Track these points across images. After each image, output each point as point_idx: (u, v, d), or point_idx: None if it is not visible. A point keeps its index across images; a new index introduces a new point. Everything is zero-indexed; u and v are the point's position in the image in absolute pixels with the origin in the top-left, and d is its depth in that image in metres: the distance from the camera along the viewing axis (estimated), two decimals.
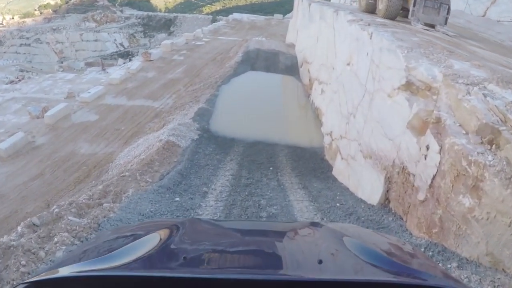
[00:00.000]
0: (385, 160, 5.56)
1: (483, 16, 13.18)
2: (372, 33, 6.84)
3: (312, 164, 8.55)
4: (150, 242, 1.55)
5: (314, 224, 2.20)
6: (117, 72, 17.35)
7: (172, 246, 1.55)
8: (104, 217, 4.71)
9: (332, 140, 8.53)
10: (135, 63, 18.02)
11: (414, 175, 4.83)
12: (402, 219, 5.13)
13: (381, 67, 6.07)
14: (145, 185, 6.28)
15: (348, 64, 7.93)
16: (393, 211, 5.38)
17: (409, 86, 5.20)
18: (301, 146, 9.97)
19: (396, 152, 5.29)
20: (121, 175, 6.66)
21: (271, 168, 7.82)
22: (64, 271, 1.32)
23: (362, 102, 6.71)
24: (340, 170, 7.52)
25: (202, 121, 10.56)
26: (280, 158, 8.75)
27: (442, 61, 5.37)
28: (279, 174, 7.57)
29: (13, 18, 48.65)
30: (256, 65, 15.67)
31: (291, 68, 15.90)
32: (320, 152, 9.58)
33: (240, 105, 11.84)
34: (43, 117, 13.32)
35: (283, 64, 16.09)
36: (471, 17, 13.40)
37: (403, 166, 5.09)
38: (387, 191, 5.51)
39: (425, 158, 4.52)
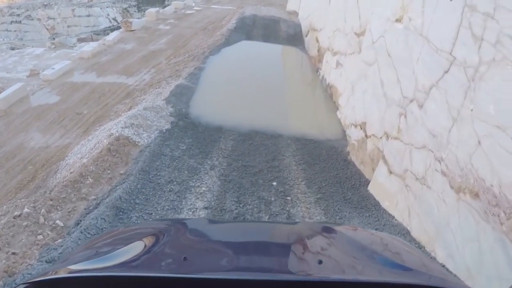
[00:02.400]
0: None
1: None
2: None
3: (334, 170, 5.34)
4: (150, 242, 1.45)
5: (314, 224, 2.23)
6: (89, 44, 13.89)
7: (172, 246, 1.45)
8: None
9: (367, 136, 5.24)
10: (113, 34, 14.53)
11: None
12: None
13: (499, 15, 2.82)
14: (42, 242, 3.18)
15: (399, 21, 4.66)
16: None
17: None
18: (312, 138, 6.78)
19: None
20: (15, 215, 3.56)
21: (274, 183, 4.65)
22: (64, 272, 1.24)
23: (441, 82, 3.49)
24: (386, 191, 4.32)
25: (179, 103, 7.29)
26: (286, 160, 5.52)
27: None
28: (288, 197, 4.32)
29: None
30: (252, 33, 12.16)
31: (294, 37, 12.40)
32: (340, 148, 6.39)
33: (232, 82, 8.50)
34: None
35: (285, 32, 12.58)
36: None
37: None
38: None
39: None
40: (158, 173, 4.53)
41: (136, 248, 1.40)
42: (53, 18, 39.61)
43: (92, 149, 5.85)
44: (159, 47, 13.21)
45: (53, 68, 12.09)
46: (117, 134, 5.57)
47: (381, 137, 4.69)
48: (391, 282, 1.20)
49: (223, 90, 8.11)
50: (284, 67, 11.09)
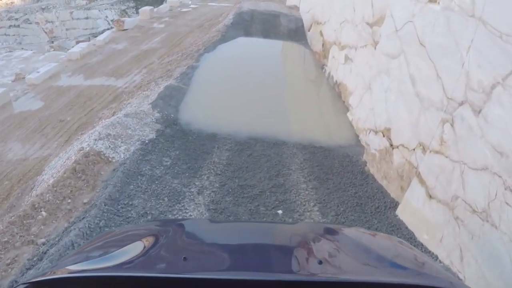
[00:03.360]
0: None
1: None
2: None
3: (352, 188, 4.19)
4: (150, 242, 1.41)
5: (314, 225, 2.13)
6: (79, 45, 12.80)
7: (172, 246, 1.41)
8: None
9: (393, 146, 4.11)
10: (104, 34, 13.44)
11: None
12: None
13: None
14: None
15: (433, 1, 3.52)
16: None
17: None
18: (321, 144, 5.68)
19: None
20: None
21: (279, 211, 3.51)
22: (64, 272, 1.21)
23: (511, 80, 2.40)
24: (425, 220, 3.17)
25: (168, 107, 6.19)
26: (293, 176, 4.39)
27: None
28: None
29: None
30: (250, 29, 11.01)
31: (296, 32, 11.26)
32: (355, 157, 5.30)
33: (228, 82, 7.39)
34: None
35: (286, 27, 11.42)
36: None
37: None
38: None
39: None
40: (130, 202, 3.45)
41: (136, 248, 1.33)
42: (52, 22, 38.51)
43: (61, 166, 4.78)
44: (152, 46, 12.11)
45: (38, 72, 11.03)
46: (87, 148, 4.49)
47: (414, 149, 3.58)
48: (391, 282, 1.14)
49: (218, 91, 7.00)
50: (286, 65, 9.96)
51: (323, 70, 8.69)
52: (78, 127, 7.93)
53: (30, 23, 39.12)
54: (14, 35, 38.89)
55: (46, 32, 39.54)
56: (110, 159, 4.37)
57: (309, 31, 10.80)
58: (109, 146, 4.63)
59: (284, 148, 5.37)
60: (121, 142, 4.86)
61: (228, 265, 1.30)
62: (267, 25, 11.29)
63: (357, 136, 6.20)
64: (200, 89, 6.88)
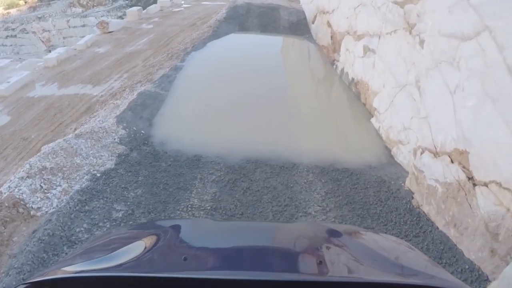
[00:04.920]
0: None
1: None
2: None
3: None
4: (150, 242, 1.32)
5: (314, 224, 1.97)
6: (56, 50, 11.19)
7: (172, 246, 1.33)
8: None
9: (476, 183, 2.30)
10: (86, 37, 11.82)
11: None
12: None
13: None
14: None
15: None
16: None
17: None
18: (345, 165, 4.04)
19: None
20: None
21: None
22: (64, 272, 1.16)
23: None
24: None
25: (138, 121, 4.53)
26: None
27: None
28: None
29: None
30: (246, 23, 9.32)
31: (298, 26, 9.56)
32: (393, 183, 3.65)
33: (218, 86, 5.72)
34: None
35: (286, 21, 9.73)
36: None
37: None
38: None
39: None
40: None
41: (136, 248, 1.27)
42: (48, 30, 37.05)
43: None
44: (138, 48, 10.45)
45: (9, 82, 9.41)
46: (4, 195, 2.86)
47: None
48: (392, 282, 1.09)
49: (206, 99, 5.32)
50: (288, 63, 8.28)
51: (334, 67, 7.02)
52: (42, 146, 6.33)
53: (27, 33, 37.64)
54: (11, 45, 37.45)
55: (43, 41, 38.04)
56: (33, 212, 2.73)
57: (313, 23, 9.12)
58: (39, 189, 3.00)
59: (296, 174, 3.72)
60: (61, 179, 3.22)
61: (229, 265, 1.20)
62: (265, 19, 9.61)
63: (388, 150, 4.55)
64: (183, 95, 5.23)
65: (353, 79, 5.97)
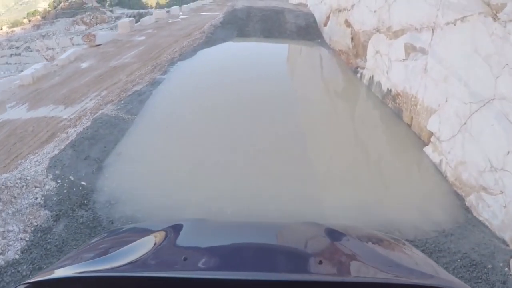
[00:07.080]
0: None
1: None
2: None
3: None
4: (150, 242, 1.28)
5: (314, 224, 1.73)
6: (33, 66, 9.74)
7: (172, 247, 1.28)
8: None
9: None
10: (69, 51, 10.38)
11: None
12: None
13: None
14: None
15: None
16: None
17: None
18: (402, 231, 2.41)
19: None
20: None
21: None
22: (64, 272, 1.12)
23: None
24: None
25: (80, 166, 2.91)
26: None
27: None
28: None
29: (1, 29, 41.19)
30: (247, 28, 7.74)
31: (307, 30, 7.97)
32: (492, 273, 2.05)
33: (204, 109, 4.03)
34: None
35: (293, 24, 8.15)
36: None
37: None
38: None
39: None
40: None
41: (136, 248, 1.22)
42: (52, 48, 36.34)
43: None
44: (124, 62, 8.93)
45: None
46: None
47: None
48: (392, 282, 1.06)
49: (186, 128, 3.68)
50: (297, 75, 6.57)
51: (359, 76, 5.38)
52: None
53: (31, 51, 36.98)
54: (15, 63, 36.76)
55: (47, 59, 37.18)
56: None
57: (325, 26, 7.53)
58: None
59: None
60: None
61: (229, 265, 1.16)
62: (268, 23, 8.04)
63: (460, 198, 2.89)
64: (154, 122, 3.60)
65: (389, 90, 4.32)
